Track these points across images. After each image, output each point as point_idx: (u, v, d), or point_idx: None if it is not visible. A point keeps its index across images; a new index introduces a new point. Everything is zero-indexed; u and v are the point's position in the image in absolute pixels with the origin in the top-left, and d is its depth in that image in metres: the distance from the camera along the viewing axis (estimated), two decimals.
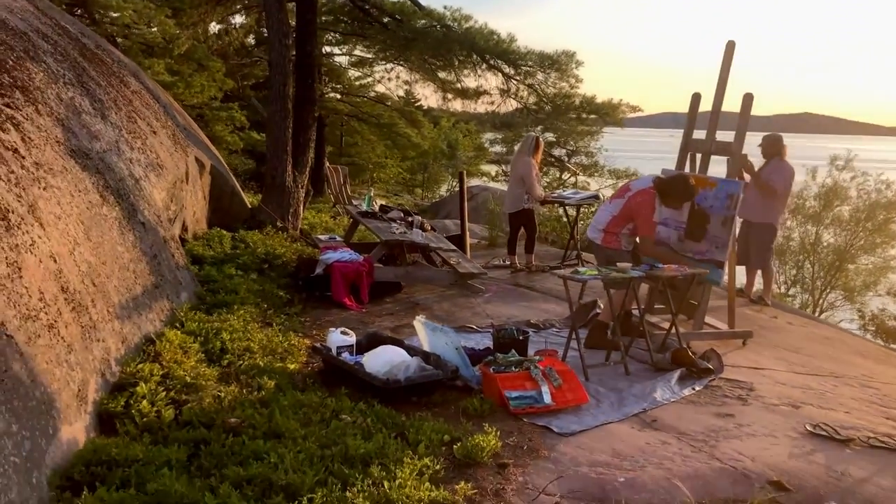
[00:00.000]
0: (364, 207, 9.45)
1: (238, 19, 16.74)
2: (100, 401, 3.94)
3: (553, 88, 10.73)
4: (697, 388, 5.10)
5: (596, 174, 25.09)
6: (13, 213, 3.78)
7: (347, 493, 3.16)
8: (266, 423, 3.87)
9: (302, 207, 10.67)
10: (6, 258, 3.49)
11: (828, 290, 21.55)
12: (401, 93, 23.74)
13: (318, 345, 5.44)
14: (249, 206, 10.35)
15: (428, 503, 3.25)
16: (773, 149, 8.24)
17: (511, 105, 11.21)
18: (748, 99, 6.10)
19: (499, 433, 4.02)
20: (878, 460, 3.97)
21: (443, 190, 34.21)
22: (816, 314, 18.01)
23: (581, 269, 5.59)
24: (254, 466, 3.32)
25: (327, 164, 17.89)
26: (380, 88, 21.99)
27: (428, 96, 25.90)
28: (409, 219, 8.85)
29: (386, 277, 7.84)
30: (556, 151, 27.06)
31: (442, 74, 12.42)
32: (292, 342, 5.59)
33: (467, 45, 10.14)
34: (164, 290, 5.70)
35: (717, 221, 6.14)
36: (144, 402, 3.93)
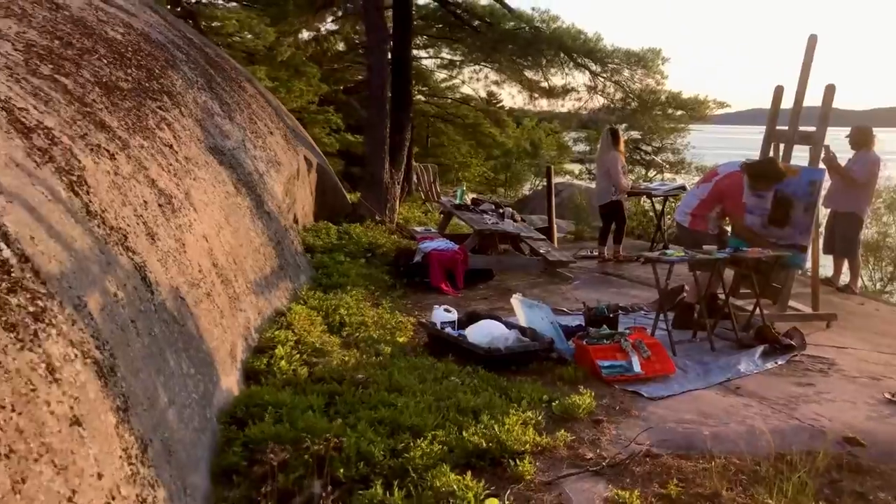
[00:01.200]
0: (457, 201, 9.98)
1: (328, 26, 17.57)
2: (246, 360, 4.58)
3: (639, 84, 11.03)
4: (780, 363, 5.41)
5: (682, 171, 24.97)
6: (175, 198, 4.46)
7: (464, 434, 3.68)
8: (387, 380, 4.43)
9: (398, 203, 11.30)
10: (174, 235, 4.15)
11: None
12: (484, 94, 24.29)
13: (423, 320, 6.00)
14: (350, 202, 11.04)
15: (532, 445, 3.73)
16: (859, 139, 8.34)
17: (598, 101, 11.57)
18: (830, 90, 6.34)
19: (593, 395, 4.47)
20: None
21: (525, 189, 34.47)
22: None
23: (668, 251, 5.94)
24: (382, 411, 3.88)
25: (416, 163, 18.56)
26: (464, 90, 22.59)
27: (514, 95, 26.33)
28: (500, 210, 9.34)
29: (479, 265, 8.35)
30: (643, 148, 27.03)
31: (529, 74, 12.87)
32: (399, 319, 6.16)
33: (555, 44, 10.56)
34: (287, 271, 6.37)
35: (800, 208, 6.40)
36: (283, 362, 4.56)
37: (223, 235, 5.08)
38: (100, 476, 2.24)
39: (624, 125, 22.03)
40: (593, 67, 10.96)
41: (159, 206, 4.16)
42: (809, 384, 4.92)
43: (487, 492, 3.22)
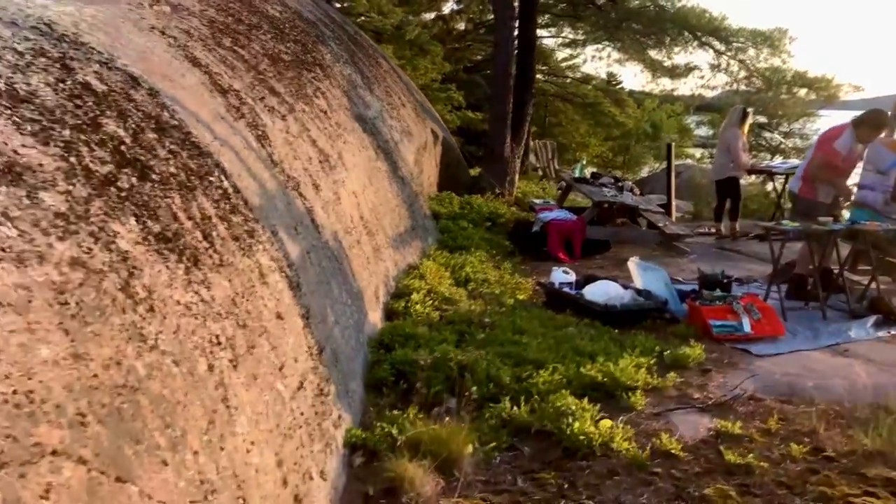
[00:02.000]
0: (576, 174, 10.32)
1: (452, 6, 18.09)
2: (386, 303, 5.18)
3: (764, 64, 10.99)
4: (893, 333, 5.54)
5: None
6: (331, 157, 5.08)
7: (581, 369, 4.12)
8: (511, 324, 4.92)
9: (517, 176, 11.73)
10: (332, 188, 4.77)
11: None
12: (605, 74, 24.24)
13: (542, 280, 6.44)
14: (471, 175, 11.56)
15: (643, 384, 4.13)
16: None
17: (721, 79, 11.57)
18: None
19: (703, 348, 4.80)
20: None
21: (644, 172, 33.98)
22: None
23: (784, 221, 6.12)
24: (508, 347, 4.38)
25: (535, 141, 18.88)
26: (584, 69, 22.66)
27: (636, 74, 26.08)
28: (620, 184, 9.61)
29: (596, 236, 8.68)
30: (768, 135, 26.23)
31: (652, 53, 12.97)
32: (519, 280, 6.62)
33: (680, 23, 10.67)
34: (418, 232, 6.95)
35: None
36: (418, 306, 5.12)
37: (367, 194, 5.69)
38: (295, 360, 2.83)
39: (751, 109, 21.50)
40: (718, 46, 10.99)
41: (319, 162, 4.78)
42: None
43: (602, 415, 3.66)
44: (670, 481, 3.17)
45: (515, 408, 3.63)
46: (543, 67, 22.61)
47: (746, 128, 9.46)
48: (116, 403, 1.63)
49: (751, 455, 3.37)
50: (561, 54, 21.15)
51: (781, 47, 10.95)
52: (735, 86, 11.66)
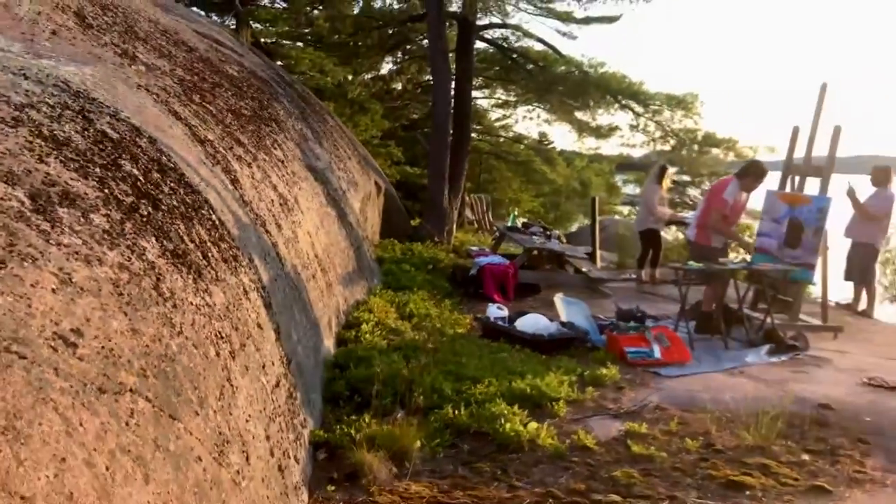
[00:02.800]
0: (509, 224, 11.09)
1: (390, 67, 19.00)
2: (338, 332, 5.73)
3: (679, 125, 12.08)
4: (783, 359, 6.33)
5: None
6: (289, 201, 5.66)
7: (512, 384, 4.74)
8: (451, 349, 5.54)
9: (455, 227, 12.46)
10: (291, 228, 5.34)
11: None
12: (536, 133, 25.54)
13: (479, 316, 7.08)
14: (412, 224, 12.24)
15: (566, 396, 4.77)
16: (879, 178, 9.22)
17: (639, 139, 12.60)
18: (837, 131, 7.32)
19: (618, 370, 5.48)
20: None
21: (573, 227, 35.27)
22: None
23: (691, 263, 6.92)
24: (449, 366, 4.98)
25: (471, 195, 19.75)
26: (517, 129, 23.87)
27: (564, 135, 27.47)
28: (548, 233, 10.42)
29: (528, 279, 9.40)
30: (691, 192, 27.80)
31: (578, 114, 13.99)
32: (458, 316, 7.25)
33: (602, 87, 11.68)
34: (364, 273, 7.53)
35: (811, 231, 7.34)
36: (367, 335, 5.70)
37: (320, 235, 6.27)
38: (272, 363, 3.38)
39: (672, 167, 22.94)
40: (636, 108, 12.03)
41: (280, 204, 5.36)
42: (803, 372, 5.85)
43: (530, 419, 4.27)
44: (585, 467, 3.79)
45: (456, 412, 4.22)
46: (478, 126, 23.71)
47: (666, 183, 10.40)
48: (162, 366, 2.17)
49: (653, 448, 4.03)
50: (494, 114, 22.29)
51: (693, 110, 12.07)
52: (652, 145, 12.67)
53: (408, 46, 15.21)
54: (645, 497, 3.46)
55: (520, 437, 3.98)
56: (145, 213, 2.83)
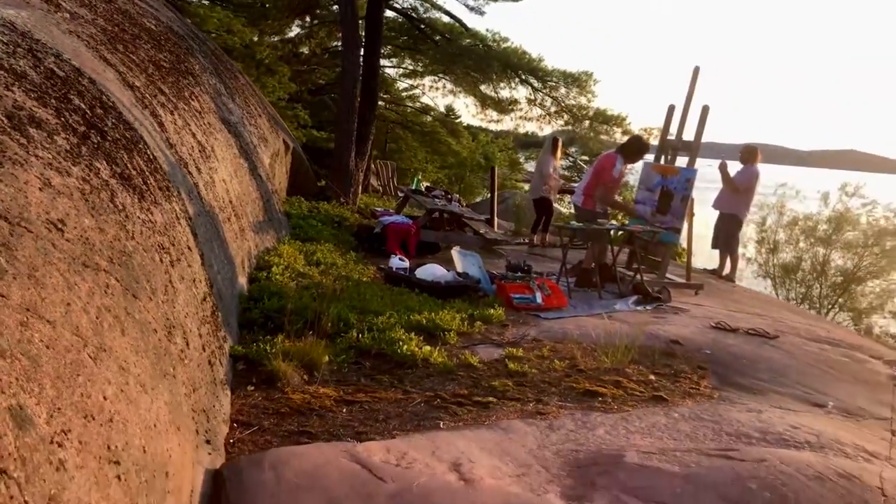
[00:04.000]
0: (413, 187, 11.68)
1: (295, 31, 19.13)
2: (250, 273, 6.19)
3: (573, 101, 12.93)
4: (648, 308, 7.22)
5: None
6: (206, 149, 6.07)
7: (411, 317, 5.36)
8: (356, 290, 6.11)
9: (360, 188, 12.96)
10: (208, 172, 5.76)
11: (835, 309, 23.37)
12: (442, 106, 26.18)
13: (382, 266, 7.67)
14: (318, 184, 12.66)
15: (457, 329, 5.44)
16: (746, 156, 10.31)
17: (536, 112, 13.39)
18: (705, 110, 8.25)
19: (503, 311, 6.20)
20: (748, 339, 6.08)
21: (477, 199, 36.06)
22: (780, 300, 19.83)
23: (572, 222, 7.72)
24: (354, 302, 5.55)
25: (376, 161, 20.22)
26: (424, 100, 24.41)
27: (468, 106, 28.15)
28: (449, 196, 11.07)
29: (429, 238, 10.04)
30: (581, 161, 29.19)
31: (482, 87, 14.66)
32: (362, 267, 7.81)
33: (503, 61, 12.37)
34: (273, 224, 7.98)
35: (678, 199, 8.27)
36: (278, 276, 6.19)
37: (233, 183, 6.69)
38: (201, 281, 3.87)
39: (561, 138, 24.11)
40: (534, 83, 12.80)
41: (199, 151, 5.76)
42: (662, 318, 6.74)
43: (424, 344, 4.91)
44: (469, 379, 4.46)
45: (360, 336, 4.81)
46: (385, 95, 24.12)
47: (559, 154, 11.23)
48: (123, 259, 2.66)
49: (527, 366, 4.75)
50: (402, 84, 22.73)
51: (587, 87, 12.94)
52: (548, 119, 13.47)
53: (318, 11, 15.44)
54: (516, 399, 4.17)
55: (415, 357, 4.62)
56: (95, 140, 3.26)
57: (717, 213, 10.35)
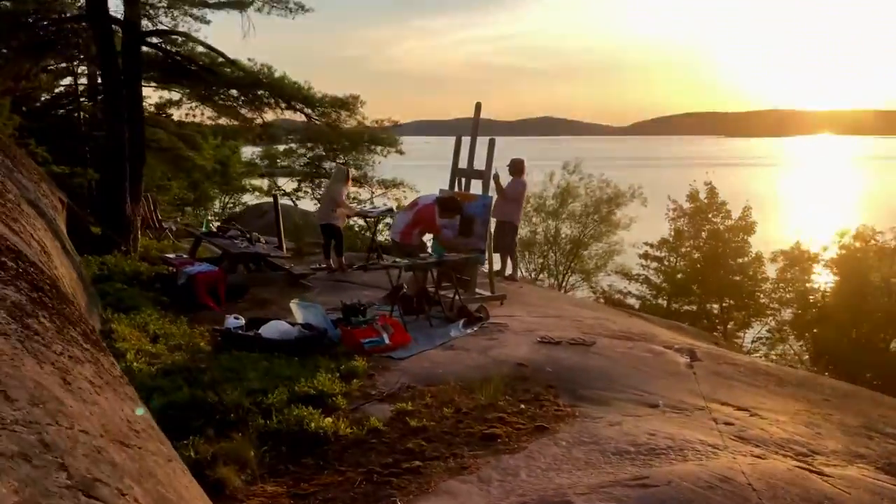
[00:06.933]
0: (204, 230, 11.52)
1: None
2: None
3: (346, 124, 13.42)
4: (475, 329, 8.07)
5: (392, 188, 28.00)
6: (46, 247, 5.78)
7: (296, 388, 5.65)
8: (220, 367, 6.19)
9: (139, 234, 12.43)
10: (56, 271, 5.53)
11: (569, 274, 26.38)
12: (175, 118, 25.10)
13: (217, 328, 7.70)
14: (94, 234, 11.94)
15: (340, 390, 5.81)
16: (515, 169, 11.56)
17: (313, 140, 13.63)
18: (492, 143, 9.23)
19: (364, 360, 6.65)
20: (573, 349, 7.15)
21: (216, 207, 35.03)
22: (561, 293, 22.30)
23: (398, 260, 8.32)
24: (234, 383, 5.70)
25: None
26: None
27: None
28: (248, 235, 11.09)
29: (237, 282, 10.07)
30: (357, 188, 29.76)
31: (244, 111, 14.55)
32: (195, 330, 7.77)
33: (275, 91, 12.52)
34: (93, 300, 7.64)
35: (479, 222, 9.22)
36: (135, 364, 6.09)
37: (65, 271, 6.39)
38: None
39: (342, 158, 24.30)
40: (307, 111, 13.08)
41: (44, 252, 5.50)
42: (495, 339, 7.61)
43: (323, 415, 5.25)
44: (384, 446, 4.92)
45: (268, 422, 5.04)
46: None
47: (350, 184, 11.71)
48: None
49: (424, 420, 5.29)
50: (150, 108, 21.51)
51: (355, 110, 13.49)
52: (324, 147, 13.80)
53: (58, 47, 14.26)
54: (435, 458, 4.71)
55: (326, 431, 4.96)
56: None
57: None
